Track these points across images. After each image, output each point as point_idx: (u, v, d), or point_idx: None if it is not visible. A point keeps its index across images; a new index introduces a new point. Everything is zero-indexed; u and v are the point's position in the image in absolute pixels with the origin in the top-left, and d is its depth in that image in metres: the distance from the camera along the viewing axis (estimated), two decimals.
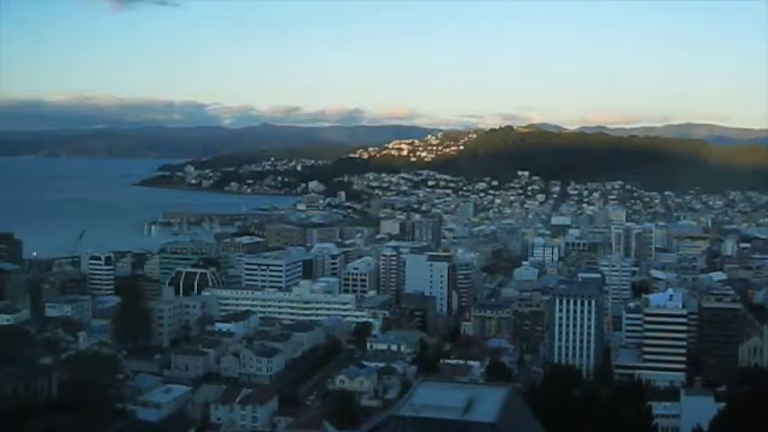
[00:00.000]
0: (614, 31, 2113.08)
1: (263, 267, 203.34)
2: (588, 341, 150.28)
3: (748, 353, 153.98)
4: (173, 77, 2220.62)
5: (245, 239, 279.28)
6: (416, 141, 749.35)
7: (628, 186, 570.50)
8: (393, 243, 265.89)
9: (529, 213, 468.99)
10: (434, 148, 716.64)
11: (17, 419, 78.92)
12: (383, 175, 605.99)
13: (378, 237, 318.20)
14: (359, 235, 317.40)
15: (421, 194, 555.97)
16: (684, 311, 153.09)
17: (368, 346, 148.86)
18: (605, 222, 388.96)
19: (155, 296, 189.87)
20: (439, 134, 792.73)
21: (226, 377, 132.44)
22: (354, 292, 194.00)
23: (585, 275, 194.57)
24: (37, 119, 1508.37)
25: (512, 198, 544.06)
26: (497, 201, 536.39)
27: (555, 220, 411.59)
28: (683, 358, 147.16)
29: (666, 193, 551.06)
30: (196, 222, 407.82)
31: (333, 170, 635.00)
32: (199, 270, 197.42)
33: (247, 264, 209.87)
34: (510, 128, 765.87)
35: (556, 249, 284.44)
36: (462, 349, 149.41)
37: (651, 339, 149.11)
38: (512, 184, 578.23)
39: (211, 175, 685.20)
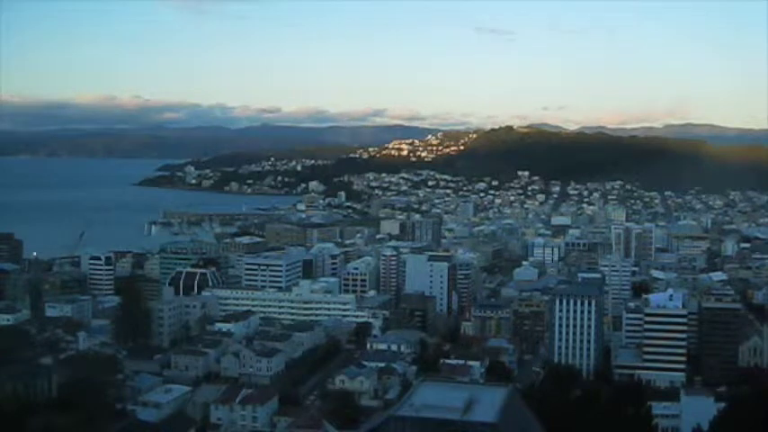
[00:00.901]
0: (614, 31, 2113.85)
1: (263, 267, 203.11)
2: (588, 341, 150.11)
3: (748, 353, 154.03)
4: (204, 80, 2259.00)
5: (245, 239, 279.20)
6: (416, 141, 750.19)
7: (628, 186, 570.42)
8: (393, 243, 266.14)
9: (529, 213, 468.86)
10: (434, 148, 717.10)
11: (17, 419, 79.00)
12: (383, 175, 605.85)
13: (378, 237, 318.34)
14: (359, 235, 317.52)
15: (421, 194, 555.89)
16: (684, 311, 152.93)
17: (368, 346, 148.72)
18: (605, 222, 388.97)
19: (155, 296, 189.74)
20: (439, 134, 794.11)
21: (226, 377, 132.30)
22: (354, 292, 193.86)
23: (585, 275, 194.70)
24: (50, 118, 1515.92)
25: (512, 198, 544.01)
26: (497, 201, 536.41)
27: (555, 220, 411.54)
28: (683, 358, 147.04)
29: (666, 193, 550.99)
30: (196, 222, 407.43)
31: (333, 170, 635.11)
32: (199, 270, 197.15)
33: (247, 264, 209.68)
34: (510, 128, 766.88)
35: (556, 249, 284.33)
36: (462, 349, 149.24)
37: (651, 339, 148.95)
38: (512, 184, 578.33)
39: (211, 175, 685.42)
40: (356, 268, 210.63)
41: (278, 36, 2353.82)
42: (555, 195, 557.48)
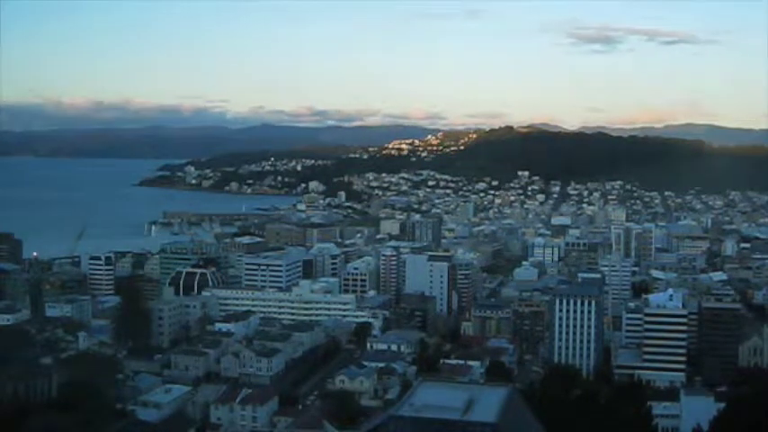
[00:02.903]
0: (613, 31, 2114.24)
1: (263, 267, 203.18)
2: (588, 341, 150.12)
3: (748, 353, 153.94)
4: (204, 80, 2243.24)
5: (245, 239, 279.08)
6: (416, 141, 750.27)
7: (628, 186, 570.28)
8: (393, 243, 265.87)
9: (529, 213, 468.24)
10: (434, 148, 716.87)
11: (17, 419, 78.99)
12: (383, 175, 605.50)
13: (378, 237, 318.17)
14: (359, 235, 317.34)
15: (421, 194, 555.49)
16: (684, 311, 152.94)
17: (368, 346, 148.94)
18: (605, 222, 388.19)
19: (155, 296, 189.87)
20: (439, 134, 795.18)
21: (226, 377, 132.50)
22: (354, 292, 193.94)
23: (585, 275, 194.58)
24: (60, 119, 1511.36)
25: (512, 198, 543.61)
26: (497, 201, 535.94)
27: (555, 220, 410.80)
28: (683, 358, 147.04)
29: (666, 193, 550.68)
30: (196, 222, 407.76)
31: (333, 170, 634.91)
32: (199, 270, 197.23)
33: (247, 264, 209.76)
34: (510, 128, 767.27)
35: (556, 249, 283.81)
36: (462, 349, 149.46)
37: (651, 339, 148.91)
38: (512, 184, 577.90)
39: (211, 175, 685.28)
40: (356, 268, 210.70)
41: (289, 36, 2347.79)
42: (555, 195, 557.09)
